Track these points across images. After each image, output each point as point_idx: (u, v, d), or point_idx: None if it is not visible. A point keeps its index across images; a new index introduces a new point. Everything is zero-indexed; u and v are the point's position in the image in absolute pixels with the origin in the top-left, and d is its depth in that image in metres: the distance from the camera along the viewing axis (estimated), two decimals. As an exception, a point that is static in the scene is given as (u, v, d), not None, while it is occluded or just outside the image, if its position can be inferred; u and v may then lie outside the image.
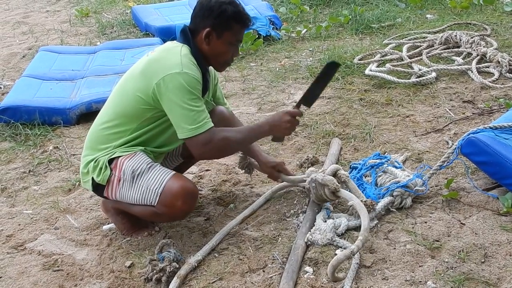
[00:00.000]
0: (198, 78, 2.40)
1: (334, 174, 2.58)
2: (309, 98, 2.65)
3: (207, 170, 3.18)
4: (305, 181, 2.66)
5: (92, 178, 2.49)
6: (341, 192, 2.51)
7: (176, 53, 2.42)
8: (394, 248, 2.36)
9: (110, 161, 2.46)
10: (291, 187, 2.88)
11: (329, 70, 2.67)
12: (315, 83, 2.65)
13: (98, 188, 2.52)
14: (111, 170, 2.45)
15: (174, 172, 2.48)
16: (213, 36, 2.45)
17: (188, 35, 2.48)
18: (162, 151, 2.60)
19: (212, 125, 2.41)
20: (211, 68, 2.63)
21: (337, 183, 2.52)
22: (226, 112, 2.81)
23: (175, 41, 2.54)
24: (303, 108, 2.62)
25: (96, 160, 2.48)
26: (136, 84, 2.45)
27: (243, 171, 2.96)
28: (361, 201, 2.47)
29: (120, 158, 2.45)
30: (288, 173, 2.81)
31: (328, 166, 2.69)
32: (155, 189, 2.40)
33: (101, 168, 2.46)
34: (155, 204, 2.41)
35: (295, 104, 2.67)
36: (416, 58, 4.41)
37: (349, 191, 2.57)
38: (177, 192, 2.37)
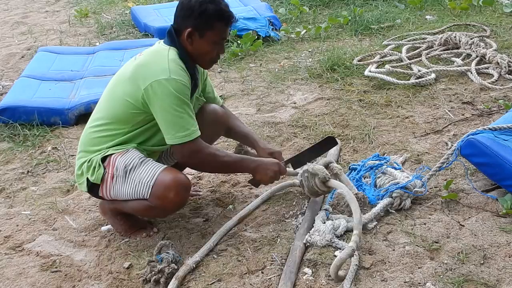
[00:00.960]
0: (186, 83, 2.39)
1: (326, 166, 2.60)
2: (297, 162, 2.71)
3: (206, 171, 3.17)
4: (299, 174, 2.66)
5: (87, 179, 2.49)
6: (331, 181, 2.52)
7: (164, 57, 2.40)
8: (393, 250, 2.36)
9: (103, 160, 2.46)
10: (290, 188, 2.87)
11: (326, 144, 2.78)
12: (308, 150, 2.75)
13: (93, 189, 2.52)
14: (104, 168, 2.45)
15: (166, 165, 2.48)
16: (195, 36, 2.43)
17: (173, 36, 2.46)
18: (155, 150, 2.60)
19: (199, 134, 2.41)
20: None
21: (327, 173, 2.53)
22: (219, 110, 2.78)
23: (162, 43, 2.52)
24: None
25: (89, 161, 2.48)
26: (125, 89, 2.44)
27: None
28: (353, 193, 2.47)
29: (112, 156, 2.45)
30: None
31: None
32: (147, 182, 2.39)
33: (94, 167, 2.46)
34: (148, 196, 2.41)
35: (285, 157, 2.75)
36: (415, 59, 4.40)
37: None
38: (169, 183, 2.37)
